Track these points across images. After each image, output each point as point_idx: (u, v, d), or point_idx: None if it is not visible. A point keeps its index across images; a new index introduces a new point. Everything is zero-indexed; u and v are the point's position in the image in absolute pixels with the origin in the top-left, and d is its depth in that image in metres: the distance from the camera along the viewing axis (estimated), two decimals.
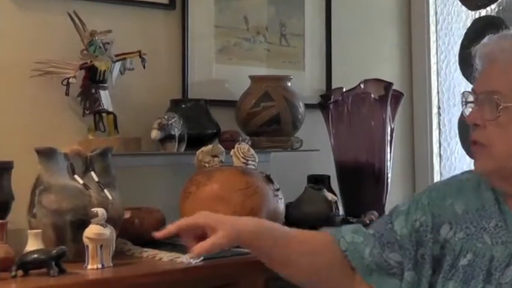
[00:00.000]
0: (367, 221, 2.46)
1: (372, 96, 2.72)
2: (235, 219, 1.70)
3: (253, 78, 2.64)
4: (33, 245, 1.85)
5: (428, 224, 1.66)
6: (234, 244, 1.66)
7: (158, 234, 1.66)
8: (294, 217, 2.39)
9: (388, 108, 2.74)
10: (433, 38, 3.37)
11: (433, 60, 3.37)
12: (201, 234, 1.63)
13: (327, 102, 2.82)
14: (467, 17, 3.30)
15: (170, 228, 1.66)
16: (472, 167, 1.68)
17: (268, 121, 2.58)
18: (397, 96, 2.81)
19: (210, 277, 1.92)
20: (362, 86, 2.73)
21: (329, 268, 1.70)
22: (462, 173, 1.77)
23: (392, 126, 2.79)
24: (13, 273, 1.76)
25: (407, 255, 1.65)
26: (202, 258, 1.93)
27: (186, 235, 1.66)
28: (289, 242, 1.69)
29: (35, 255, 1.78)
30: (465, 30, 3.20)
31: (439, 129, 3.39)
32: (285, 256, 1.68)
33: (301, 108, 2.65)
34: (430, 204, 1.68)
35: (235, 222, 1.66)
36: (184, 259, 1.94)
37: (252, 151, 2.26)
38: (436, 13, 3.37)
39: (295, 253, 1.68)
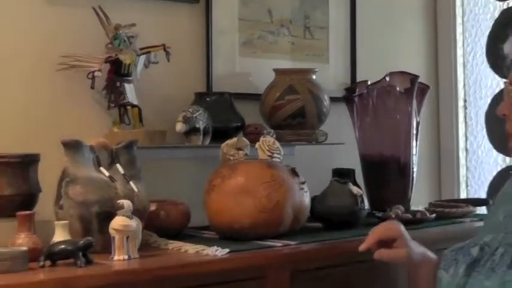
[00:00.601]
0: (393, 216, 2.44)
1: (398, 89, 2.70)
2: (422, 248, 1.92)
3: (277, 71, 2.64)
4: (60, 236, 1.86)
5: None
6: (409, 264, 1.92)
7: (362, 248, 1.93)
8: (319, 211, 2.38)
9: (414, 101, 2.73)
10: (459, 29, 3.35)
11: (460, 52, 3.35)
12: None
13: (352, 95, 2.81)
14: (495, 8, 3.27)
15: (371, 240, 1.92)
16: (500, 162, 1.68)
17: (293, 114, 2.58)
18: (423, 89, 2.79)
19: (236, 270, 1.91)
20: (387, 78, 2.72)
21: None
22: None
23: (418, 120, 2.77)
24: (41, 263, 1.77)
25: None
26: (228, 250, 1.93)
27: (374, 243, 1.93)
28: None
29: (63, 246, 1.79)
30: (493, 22, 3.17)
31: (465, 122, 3.37)
32: None
33: (326, 101, 2.65)
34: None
35: (422, 250, 1.91)
36: (210, 251, 1.94)
37: (277, 144, 2.25)
38: (462, 4, 3.35)
39: None
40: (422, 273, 1.89)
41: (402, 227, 1.94)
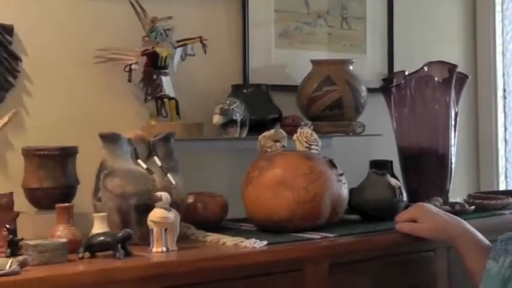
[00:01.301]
0: None
1: (436, 79, 2.67)
2: (445, 218, 2.06)
3: (314, 63, 2.62)
4: (98, 228, 1.87)
5: None
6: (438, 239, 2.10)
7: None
8: (357, 203, 2.37)
9: (452, 91, 2.69)
10: (498, 17, 3.30)
11: (499, 41, 3.30)
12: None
13: (389, 85, 2.78)
14: None
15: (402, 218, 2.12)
16: None
17: (330, 105, 2.56)
18: (462, 78, 2.75)
19: (274, 262, 1.91)
20: (425, 68, 2.69)
21: None
22: None
23: (457, 110, 2.74)
24: (80, 254, 1.78)
25: None
26: (266, 243, 1.93)
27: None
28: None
29: (102, 238, 1.80)
30: None
31: (505, 112, 3.33)
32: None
33: (364, 92, 2.63)
34: None
35: (443, 221, 2.05)
36: (248, 244, 1.93)
37: (315, 136, 2.24)
38: None
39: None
40: (459, 245, 2.01)
41: (428, 206, 2.09)
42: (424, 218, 2.06)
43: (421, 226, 2.05)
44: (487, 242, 2.03)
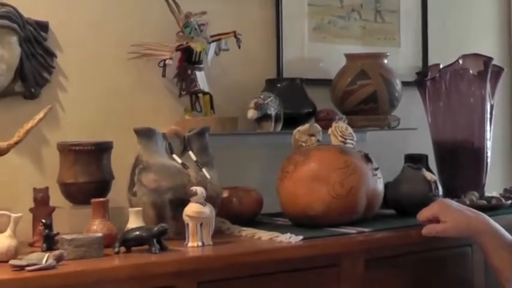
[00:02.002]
0: (467, 202, 2.40)
1: (471, 71, 2.64)
2: (467, 215, 2.02)
3: (348, 56, 2.61)
4: (134, 222, 1.88)
5: None
6: (461, 236, 2.06)
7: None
8: (393, 197, 2.35)
9: (488, 84, 2.66)
10: None
11: None
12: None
13: (424, 79, 2.76)
14: None
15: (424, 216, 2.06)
16: None
17: (365, 99, 2.55)
18: (497, 71, 2.72)
19: (309, 258, 1.90)
20: (460, 61, 2.66)
21: None
22: None
23: (492, 103, 2.71)
24: (116, 249, 1.79)
25: None
26: (301, 237, 1.92)
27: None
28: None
29: (137, 233, 1.80)
30: None
31: None
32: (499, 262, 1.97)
33: (398, 86, 2.61)
34: None
35: (466, 218, 2.01)
36: (284, 238, 1.93)
37: (350, 130, 2.22)
38: None
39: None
40: (483, 241, 2.00)
41: (449, 202, 2.07)
42: (445, 215, 2.01)
43: (444, 227, 2.00)
44: (510, 237, 2.01)
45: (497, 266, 1.97)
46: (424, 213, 2.06)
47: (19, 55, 2.12)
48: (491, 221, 2.02)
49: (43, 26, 2.20)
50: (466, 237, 2.08)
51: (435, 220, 2.02)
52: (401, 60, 2.91)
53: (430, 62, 2.93)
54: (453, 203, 2.08)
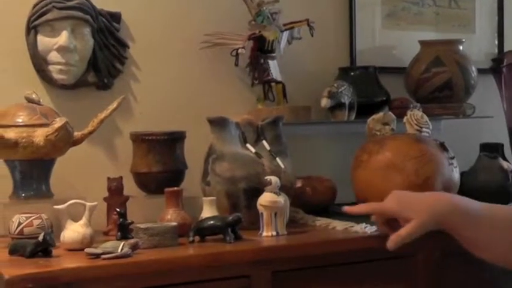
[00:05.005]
0: None
1: None
2: (428, 203, 1.71)
3: (423, 43, 2.56)
4: (208, 212, 1.88)
5: None
6: (432, 229, 1.71)
7: (349, 210, 1.80)
8: (469, 187, 2.30)
9: None
10: None
11: None
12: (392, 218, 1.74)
13: (500, 66, 2.70)
14: None
15: (362, 208, 1.80)
16: None
17: (440, 87, 2.50)
18: None
19: (384, 248, 1.86)
20: None
21: None
22: None
23: None
24: (191, 238, 1.79)
25: None
26: (376, 228, 1.89)
27: (377, 216, 1.80)
28: (484, 224, 1.66)
29: (212, 222, 1.80)
30: None
31: None
32: (482, 240, 1.67)
33: (474, 73, 2.56)
34: None
35: (428, 208, 1.69)
36: (359, 228, 1.90)
37: (426, 118, 2.18)
38: None
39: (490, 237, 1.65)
40: (451, 221, 1.68)
41: (402, 193, 1.77)
42: (407, 211, 1.70)
43: (409, 230, 1.69)
44: (482, 210, 1.70)
45: (473, 236, 1.68)
46: (378, 216, 1.80)
47: (92, 46, 2.14)
48: (455, 197, 1.77)
49: (115, 17, 2.21)
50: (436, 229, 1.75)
51: (392, 221, 1.77)
52: (476, 47, 2.84)
53: (506, 48, 2.87)
54: (407, 192, 1.80)
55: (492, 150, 2.54)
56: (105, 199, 2.00)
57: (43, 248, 1.64)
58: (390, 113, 2.24)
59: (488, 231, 1.66)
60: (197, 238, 1.80)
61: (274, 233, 1.85)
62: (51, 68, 2.10)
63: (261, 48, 2.29)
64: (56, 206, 1.74)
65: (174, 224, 1.78)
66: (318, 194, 2.19)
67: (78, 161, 2.08)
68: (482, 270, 2.02)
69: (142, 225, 1.75)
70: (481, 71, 2.66)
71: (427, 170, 2.05)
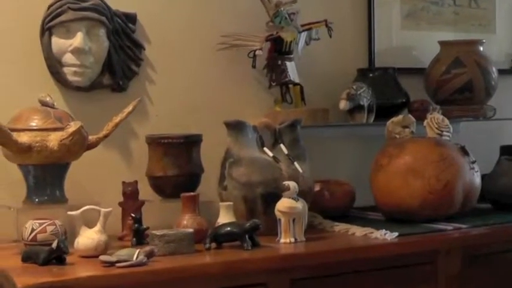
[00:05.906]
0: None
1: None
2: None
3: (443, 44, 2.53)
4: (224, 217, 1.85)
5: None
6: None
7: None
8: (489, 191, 2.28)
9: None
10: None
11: None
12: None
13: None
14: None
15: None
16: None
17: (460, 88, 2.46)
18: None
19: (405, 255, 1.85)
20: None
21: None
22: None
23: None
24: (207, 245, 1.77)
25: None
26: (397, 234, 1.86)
27: None
28: None
29: (229, 228, 1.77)
30: None
31: None
32: None
33: (495, 74, 2.52)
34: None
35: None
36: (379, 235, 1.87)
37: (447, 121, 2.15)
38: None
39: None
40: None
41: None
42: None
43: None
44: None
45: None
46: None
47: (107, 48, 2.11)
48: None
49: (131, 18, 2.18)
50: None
51: None
52: (497, 47, 2.80)
53: None
54: None
55: None
56: (120, 204, 1.97)
57: (57, 256, 1.62)
58: (410, 115, 2.22)
59: None
60: (214, 245, 1.77)
61: (292, 240, 1.82)
62: (65, 70, 2.08)
63: (279, 50, 2.26)
64: (69, 212, 1.73)
65: (191, 230, 1.76)
66: (336, 199, 2.16)
67: (93, 165, 2.06)
68: (504, 275, 1.99)
69: (158, 232, 1.72)
70: (501, 72, 2.62)
71: (447, 175, 2.03)
